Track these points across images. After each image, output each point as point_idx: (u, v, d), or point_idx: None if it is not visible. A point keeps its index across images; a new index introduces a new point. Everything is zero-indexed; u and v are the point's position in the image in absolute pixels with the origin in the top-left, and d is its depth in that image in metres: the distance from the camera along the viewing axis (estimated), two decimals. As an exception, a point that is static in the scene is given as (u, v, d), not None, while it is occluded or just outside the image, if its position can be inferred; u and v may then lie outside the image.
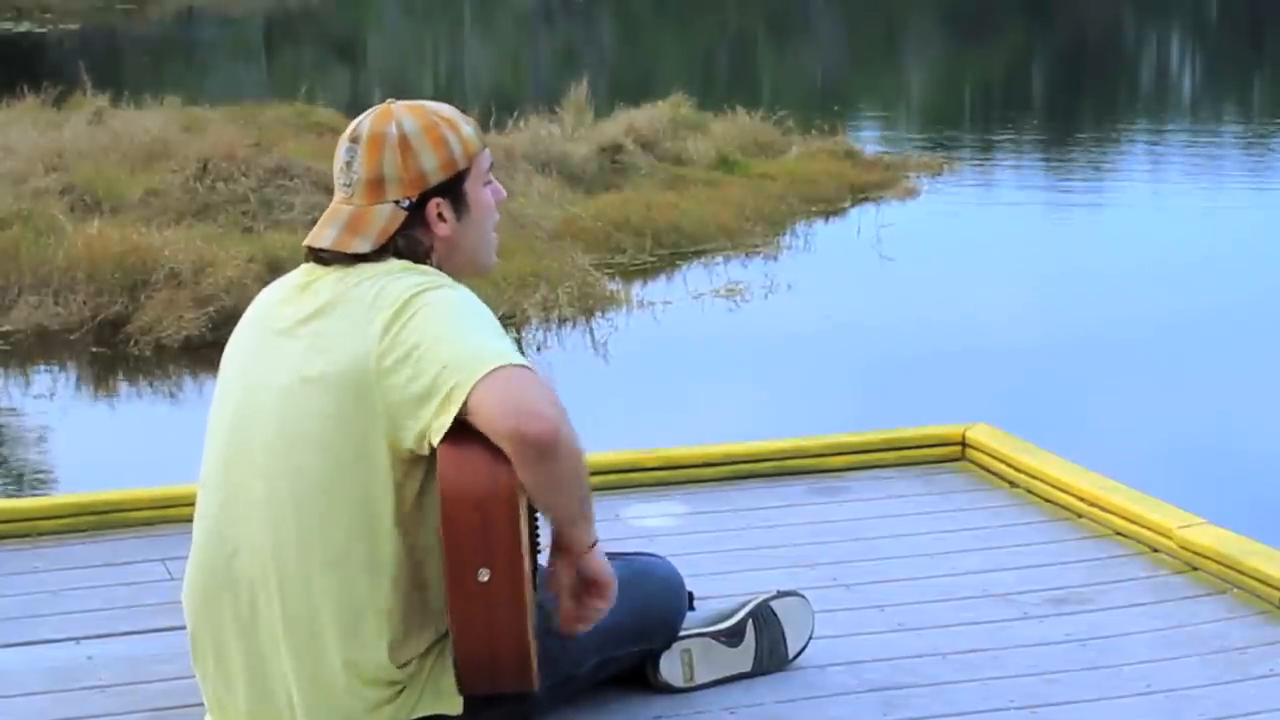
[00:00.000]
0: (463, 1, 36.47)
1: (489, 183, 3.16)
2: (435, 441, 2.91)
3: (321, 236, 3.08)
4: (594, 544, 3.04)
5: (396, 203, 3.07)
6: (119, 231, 10.75)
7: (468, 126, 3.13)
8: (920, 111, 23.48)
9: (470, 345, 2.92)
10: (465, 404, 2.88)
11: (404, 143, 3.06)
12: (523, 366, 2.91)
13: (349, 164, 3.09)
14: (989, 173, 17.02)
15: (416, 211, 3.08)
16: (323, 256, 3.08)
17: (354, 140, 3.09)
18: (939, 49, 30.76)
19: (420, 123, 3.08)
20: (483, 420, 2.87)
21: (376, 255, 3.06)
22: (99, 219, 11.32)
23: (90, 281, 10.24)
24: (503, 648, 2.95)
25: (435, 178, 3.08)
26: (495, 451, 2.88)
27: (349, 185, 3.08)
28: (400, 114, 3.09)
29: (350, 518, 2.97)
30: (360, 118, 3.14)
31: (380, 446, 2.95)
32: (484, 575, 2.89)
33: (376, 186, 3.07)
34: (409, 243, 3.08)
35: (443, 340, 2.92)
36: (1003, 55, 29.49)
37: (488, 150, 3.17)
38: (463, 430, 2.89)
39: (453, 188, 3.10)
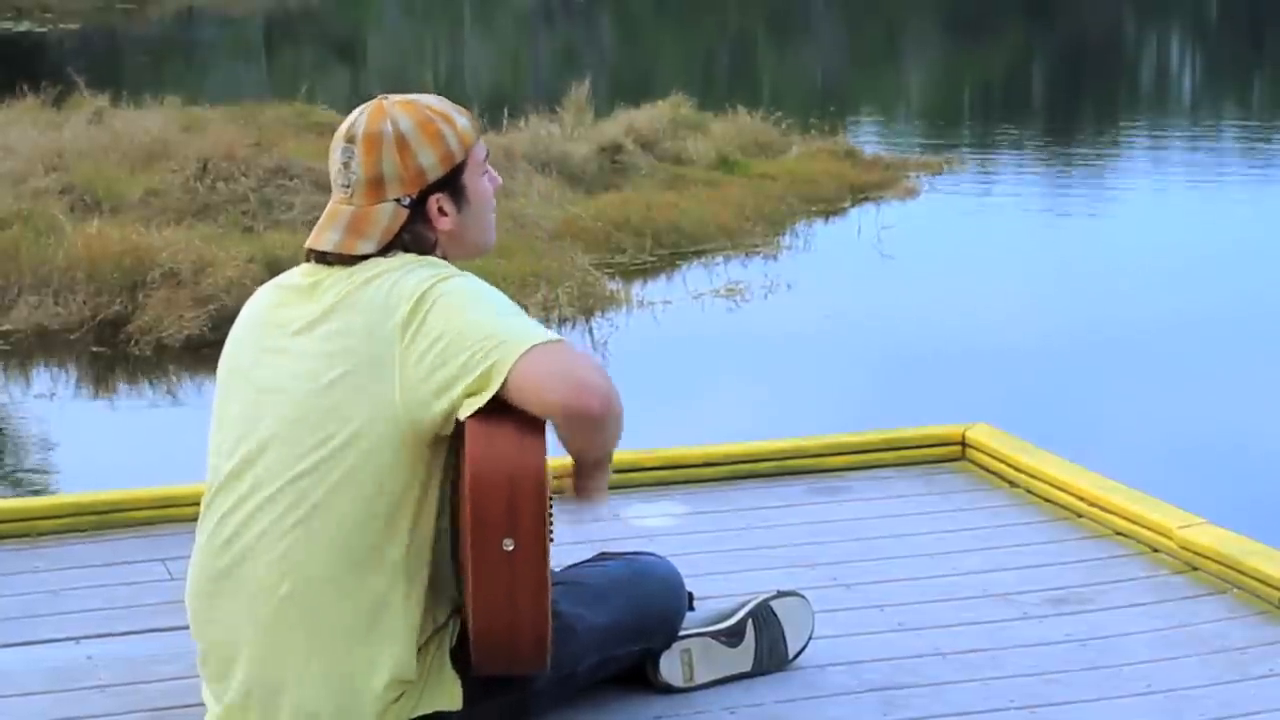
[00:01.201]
0: (463, 1, 36.48)
1: (485, 171, 3.17)
2: (463, 415, 2.91)
3: (324, 239, 3.08)
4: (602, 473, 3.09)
5: (397, 201, 3.07)
6: (119, 231, 10.75)
7: (462, 118, 3.13)
8: (920, 112, 23.48)
9: (500, 325, 2.93)
10: (505, 381, 2.88)
11: (401, 141, 3.06)
12: (559, 341, 2.93)
13: (346, 165, 3.08)
14: (989, 173, 17.02)
15: (418, 208, 3.08)
16: (327, 258, 3.08)
17: (350, 140, 3.08)
18: (939, 49, 30.76)
19: (415, 119, 3.08)
20: (529, 395, 2.88)
21: (382, 253, 3.06)
22: (99, 219, 11.32)
23: (90, 281, 10.24)
24: (522, 621, 2.96)
25: (434, 173, 3.08)
26: (523, 430, 2.90)
27: (348, 186, 3.08)
28: (394, 111, 3.09)
29: (368, 515, 2.98)
30: (353, 116, 3.13)
31: (397, 443, 2.96)
32: (509, 544, 2.90)
33: (376, 186, 3.06)
34: (415, 238, 3.08)
35: (469, 325, 2.92)
36: (1003, 56, 29.49)
37: (482, 140, 3.17)
38: (488, 411, 2.90)
39: (451, 181, 3.10)
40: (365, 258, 3.05)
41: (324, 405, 2.98)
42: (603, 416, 2.91)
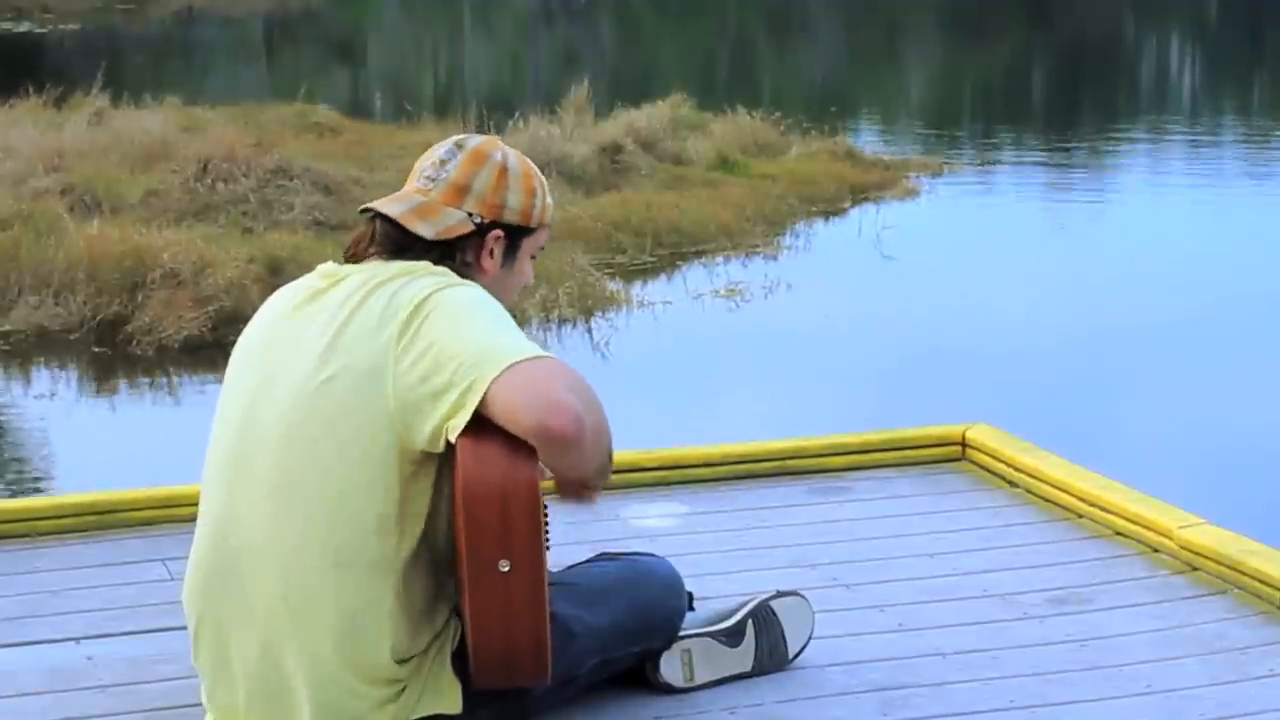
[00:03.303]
0: (463, 2, 36.48)
1: (534, 256, 3.24)
2: (453, 438, 2.92)
3: (390, 207, 3.13)
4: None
5: (469, 215, 3.13)
6: (119, 231, 10.75)
7: (550, 200, 3.24)
8: (920, 112, 23.48)
9: (485, 342, 2.93)
10: (484, 400, 2.89)
11: (503, 171, 3.16)
12: (539, 358, 2.92)
13: (444, 162, 3.16)
14: (989, 173, 17.02)
15: (482, 232, 3.14)
16: (383, 226, 3.12)
17: (458, 145, 3.18)
18: (939, 49, 30.76)
19: (522, 166, 3.19)
20: (503, 415, 2.89)
21: (423, 251, 3.09)
22: (99, 219, 11.33)
23: (90, 281, 10.24)
24: (520, 639, 2.97)
25: (510, 216, 3.16)
26: (514, 444, 2.90)
27: (434, 180, 3.15)
28: (507, 148, 3.21)
29: (357, 517, 2.98)
30: (468, 134, 3.24)
31: (391, 446, 2.96)
32: (504, 566, 2.91)
33: (460, 192, 3.14)
34: (460, 256, 3.12)
35: (457, 338, 2.94)
36: (1003, 56, 29.50)
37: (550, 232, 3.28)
38: (480, 424, 2.90)
39: (515, 235, 3.18)
40: (404, 249, 3.08)
41: (322, 407, 2.99)
42: (573, 438, 2.89)
